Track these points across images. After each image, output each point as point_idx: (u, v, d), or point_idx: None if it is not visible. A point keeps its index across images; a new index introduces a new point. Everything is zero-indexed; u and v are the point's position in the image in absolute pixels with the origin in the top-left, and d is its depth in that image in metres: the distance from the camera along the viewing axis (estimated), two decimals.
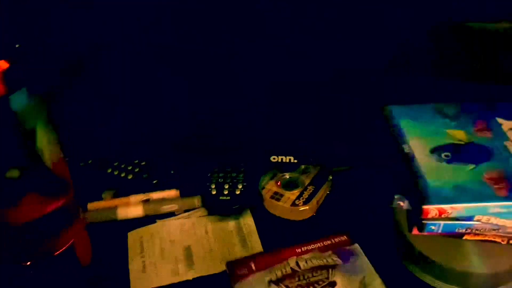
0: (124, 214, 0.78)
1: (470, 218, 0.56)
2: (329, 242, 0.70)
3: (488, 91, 0.79)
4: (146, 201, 0.79)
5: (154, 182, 0.84)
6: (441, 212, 0.54)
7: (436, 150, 0.61)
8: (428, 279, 0.63)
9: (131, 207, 0.78)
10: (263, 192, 0.80)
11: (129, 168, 0.86)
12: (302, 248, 0.69)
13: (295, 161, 0.83)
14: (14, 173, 0.55)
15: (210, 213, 0.79)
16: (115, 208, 0.78)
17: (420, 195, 0.55)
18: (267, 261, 0.67)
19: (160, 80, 0.88)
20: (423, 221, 0.56)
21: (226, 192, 0.81)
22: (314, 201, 0.78)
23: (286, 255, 0.68)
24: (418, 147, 0.62)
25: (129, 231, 0.76)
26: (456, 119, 0.66)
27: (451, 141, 0.62)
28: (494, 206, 0.54)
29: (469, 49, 0.81)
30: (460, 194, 0.55)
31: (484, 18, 0.80)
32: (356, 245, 0.69)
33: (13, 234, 0.59)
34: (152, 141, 0.88)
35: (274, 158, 0.84)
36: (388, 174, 0.73)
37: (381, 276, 0.64)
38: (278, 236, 0.75)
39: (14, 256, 0.62)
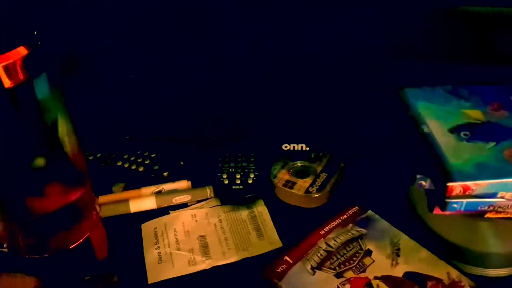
0: (137, 206, 0.77)
1: (493, 196, 0.56)
2: (345, 216, 0.72)
3: (494, 73, 0.80)
4: (159, 193, 0.79)
5: (165, 174, 0.83)
6: (465, 189, 0.54)
7: (454, 130, 0.61)
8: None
9: (144, 199, 0.77)
10: (275, 180, 0.80)
11: (139, 160, 0.85)
12: (325, 229, 0.70)
13: (307, 148, 0.83)
14: (40, 162, 0.54)
15: (223, 203, 0.79)
16: (127, 200, 0.77)
17: (443, 173, 0.55)
18: (299, 250, 0.67)
19: (166, 72, 0.87)
20: (446, 200, 0.56)
21: (238, 182, 0.80)
22: (327, 188, 0.78)
23: (314, 240, 0.68)
24: (436, 127, 0.62)
25: (142, 223, 0.75)
26: (470, 100, 0.67)
27: (468, 121, 0.63)
28: None
29: (475, 33, 0.82)
30: (483, 171, 0.55)
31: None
32: (370, 211, 0.72)
33: (33, 225, 0.58)
34: (162, 133, 0.87)
35: (286, 146, 0.83)
36: (400, 158, 0.74)
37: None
38: (292, 223, 0.75)
39: (32, 248, 0.61)
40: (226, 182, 0.81)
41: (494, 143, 0.59)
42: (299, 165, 0.82)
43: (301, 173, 0.81)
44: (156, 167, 0.84)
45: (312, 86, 0.86)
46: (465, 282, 0.61)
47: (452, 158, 0.57)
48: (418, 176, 0.60)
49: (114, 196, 0.78)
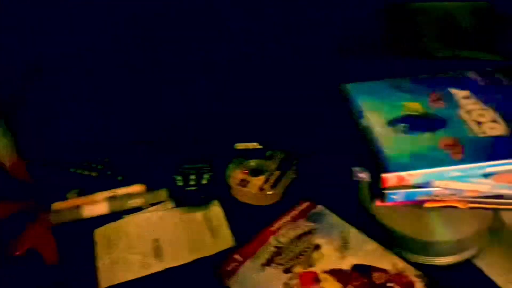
0: (89, 212, 0.76)
1: (429, 185, 0.57)
2: (296, 212, 0.72)
3: (436, 67, 0.81)
4: (112, 198, 0.79)
5: (119, 178, 0.83)
6: (400, 179, 0.55)
7: (393, 122, 0.62)
8: (395, 251, 0.65)
9: (97, 205, 0.77)
10: (230, 180, 0.80)
11: (93, 165, 0.85)
12: (276, 225, 0.71)
13: (260, 147, 0.84)
14: None
15: (178, 205, 0.79)
16: (79, 206, 0.77)
17: (378, 164, 0.56)
18: (250, 248, 0.68)
19: (116, 76, 0.87)
20: (384, 191, 0.57)
21: (192, 183, 0.81)
22: (281, 185, 0.79)
23: (265, 237, 0.69)
24: (375, 120, 0.63)
25: (96, 228, 0.75)
26: (411, 92, 0.68)
27: (407, 113, 0.64)
28: (450, 170, 0.56)
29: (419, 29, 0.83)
30: (418, 161, 0.56)
31: None
32: (320, 206, 0.73)
33: None
34: (115, 137, 0.87)
35: (238, 146, 0.84)
36: (352, 153, 0.75)
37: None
38: (248, 222, 0.75)
39: None
40: (181, 184, 0.81)
41: (430, 134, 0.60)
42: (253, 163, 0.83)
43: (256, 172, 0.81)
44: (109, 172, 0.84)
45: (264, 86, 0.87)
46: (410, 271, 0.62)
47: (388, 150, 0.58)
48: (354, 169, 0.61)
49: (68, 203, 0.78)
